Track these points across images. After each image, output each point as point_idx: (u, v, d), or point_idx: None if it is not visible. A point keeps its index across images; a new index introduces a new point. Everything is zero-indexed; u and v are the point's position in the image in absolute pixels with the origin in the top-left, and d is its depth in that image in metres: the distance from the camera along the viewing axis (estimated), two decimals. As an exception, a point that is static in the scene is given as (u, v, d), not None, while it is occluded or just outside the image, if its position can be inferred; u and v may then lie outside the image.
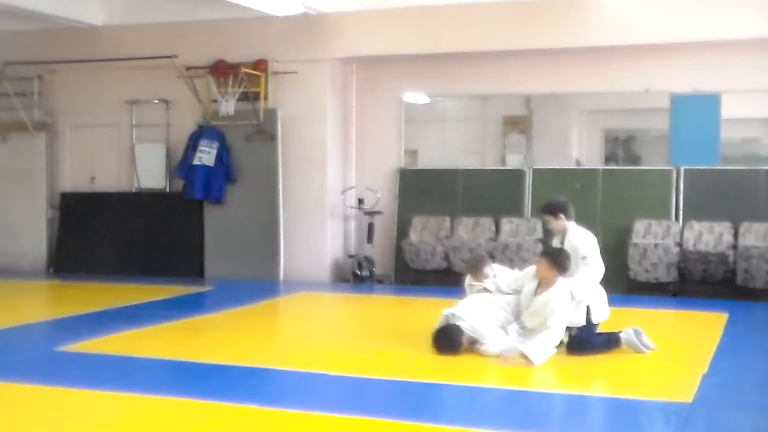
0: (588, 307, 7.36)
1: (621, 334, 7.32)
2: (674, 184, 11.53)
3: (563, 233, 7.56)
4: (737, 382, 6.52)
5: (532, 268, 7.51)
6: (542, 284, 7.22)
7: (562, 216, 7.52)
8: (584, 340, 7.26)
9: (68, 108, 13.72)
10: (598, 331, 7.43)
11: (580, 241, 7.43)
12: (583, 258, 7.32)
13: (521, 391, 6.31)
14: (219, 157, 12.60)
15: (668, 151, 11.75)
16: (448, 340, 7.25)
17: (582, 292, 7.27)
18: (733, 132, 11.81)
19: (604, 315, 7.50)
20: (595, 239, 7.54)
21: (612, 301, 7.66)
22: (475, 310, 7.39)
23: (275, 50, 12.61)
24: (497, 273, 7.86)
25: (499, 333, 7.25)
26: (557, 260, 7.19)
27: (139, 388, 6.14)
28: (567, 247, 7.42)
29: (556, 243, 7.67)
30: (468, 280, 8.02)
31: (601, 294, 7.54)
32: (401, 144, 12.89)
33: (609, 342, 7.31)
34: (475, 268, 7.97)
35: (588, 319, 7.35)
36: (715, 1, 11.01)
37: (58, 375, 6.70)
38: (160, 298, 10.77)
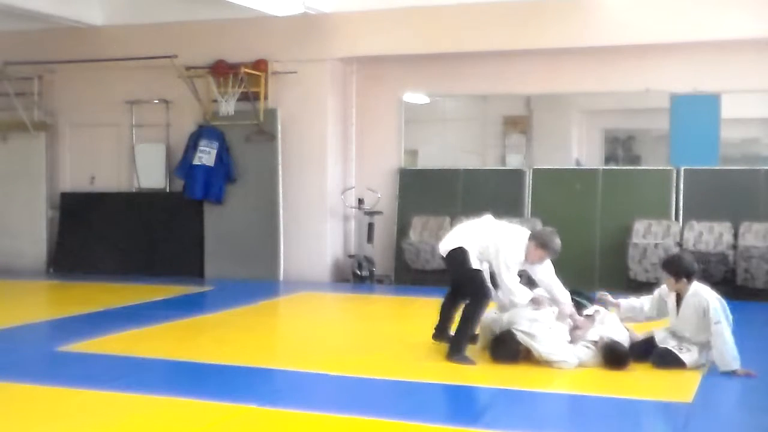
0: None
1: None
2: (674, 184, 11.53)
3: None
4: (737, 382, 6.52)
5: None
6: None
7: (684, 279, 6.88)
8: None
9: (68, 108, 13.71)
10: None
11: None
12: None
13: (521, 391, 6.31)
14: (219, 157, 12.60)
15: (668, 151, 11.75)
16: (507, 349, 6.96)
17: None
18: (733, 132, 11.81)
19: None
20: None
21: (612, 301, 7.67)
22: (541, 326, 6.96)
23: (275, 50, 12.61)
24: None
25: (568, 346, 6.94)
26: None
27: (139, 388, 6.14)
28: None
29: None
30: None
31: None
32: (401, 144, 12.89)
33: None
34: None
35: None
36: (715, 1, 11.01)
37: (58, 375, 6.70)
38: (160, 298, 10.76)
